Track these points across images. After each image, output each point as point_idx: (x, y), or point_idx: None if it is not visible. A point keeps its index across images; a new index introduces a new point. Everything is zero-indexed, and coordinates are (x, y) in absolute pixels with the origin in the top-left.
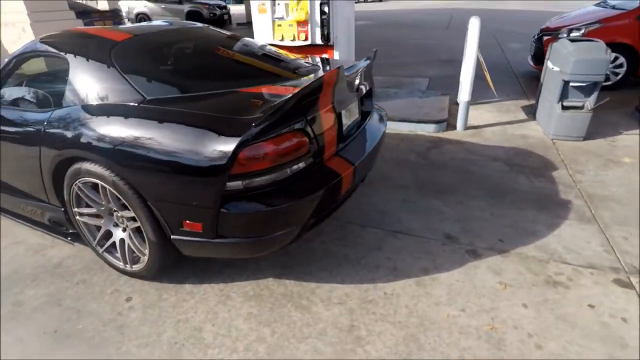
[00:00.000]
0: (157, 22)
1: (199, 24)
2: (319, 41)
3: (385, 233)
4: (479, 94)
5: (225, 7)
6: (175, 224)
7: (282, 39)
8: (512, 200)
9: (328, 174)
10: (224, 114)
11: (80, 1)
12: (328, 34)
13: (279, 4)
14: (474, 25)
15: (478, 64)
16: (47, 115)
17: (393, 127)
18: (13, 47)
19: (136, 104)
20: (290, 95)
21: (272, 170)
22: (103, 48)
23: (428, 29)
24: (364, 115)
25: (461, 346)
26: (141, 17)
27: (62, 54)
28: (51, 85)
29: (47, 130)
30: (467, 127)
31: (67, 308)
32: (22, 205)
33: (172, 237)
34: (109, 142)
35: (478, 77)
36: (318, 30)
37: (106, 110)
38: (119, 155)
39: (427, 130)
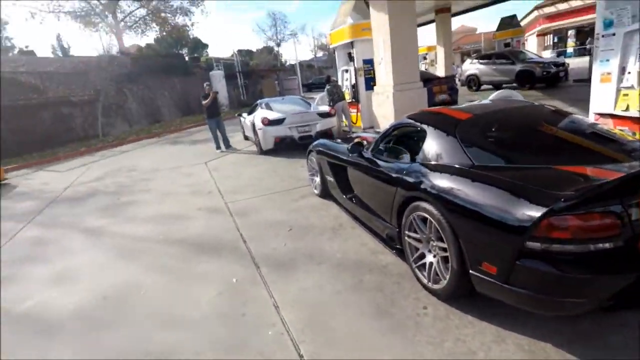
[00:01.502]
0: (485, 102)
1: (526, 102)
2: None
3: None
4: None
5: (562, 65)
6: (476, 262)
7: (627, 109)
8: None
9: (637, 260)
10: (539, 186)
11: (425, 69)
12: None
13: (629, 73)
14: None
15: None
16: (405, 166)
17: None
18: (378, 109)
19: (467, 168)
20: (610, 179)
21: (573, 241)
22: (450, 124)
23: None
24: None
25: None
26: (471, 78)
27: (421, 125)
28: (410, 146)
29: (403, 177)
30: None
31: (385, 295)
32: (372, 220)
33: (470, 271)
34: (441, 190)
35: None
36: None
37: (443, 168)
38: (446, 201)
39: None
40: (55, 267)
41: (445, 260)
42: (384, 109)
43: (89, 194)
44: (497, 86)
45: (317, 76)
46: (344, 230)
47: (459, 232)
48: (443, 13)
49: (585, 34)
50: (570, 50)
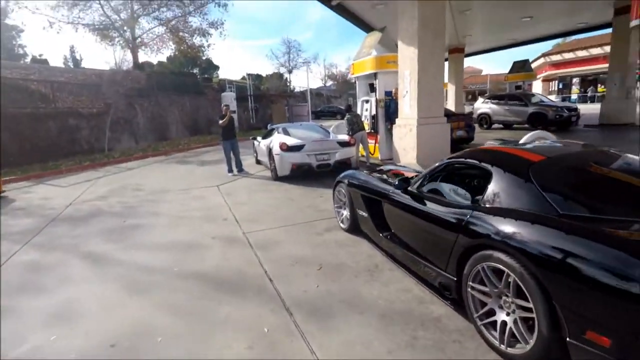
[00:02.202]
0: (550, 143)
1: (596, 147)
2: None
3: None
4: None
5: (575, 109)
6: (577, 329)
7: None
8: None
9: None
10: None
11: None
12: None
13: None
14: None
15: None
16: (468, 210)
17: None
18: (399, 142)
19: (554, 216)
20: None
21: None
22: (522, 165)
23: None
24: None
25: None
26: (483, 116)
27: (483, 164)
28: (466, 187)
29: (468, 222)
30: None
31: (447, 357)
32: (419, 264)
33: (568, 339)
34: (524, 241)
35: None
36: None
37: (524, 215)
38: (533, 254)
39: None
40: (55, 301)
41: (525, 321)
42: (405, 142)
43: (92, 214)
44: (507, 126)
45: (325, 104)
46: (381, 272)
47: (553, 292)
48: (457, 53)
49: (588, 82)
50: (574, 96)
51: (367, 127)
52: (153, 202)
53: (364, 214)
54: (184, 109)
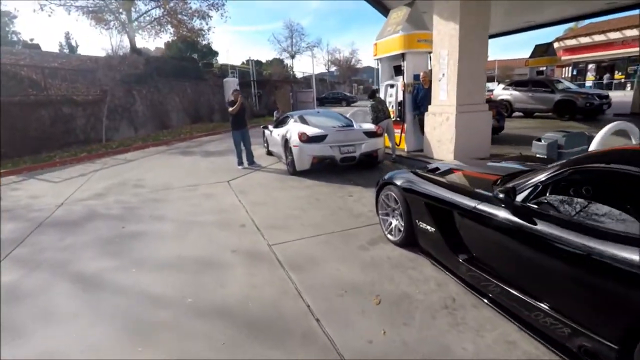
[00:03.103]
0: None
1: None
2: None
3: None
4: None
5: (606, 97)
6: None
7: None
8: None
9: None
10: None
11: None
12: None
13: None
14: None
15: None
16: None
17: None
18: (433, 132)
19: None
20: None
21: None
22: None
23: None
24: None
25: None
26: (503, 104)
27: None
28: (615, 203)
29: None
30: None
31: None
32: (534, 310)
33: None
34: None
35: None
36: None
37: None
38: None
39: None
40: (35, 346)
41: None
42: (440, 133)
43: (86, 217)
44: (529, 114)
45: (329, 90)
46: (464, 310)
47: None
48: None
49: (604, 68)
50: (589, 83)
51: (391, 115)
52: (156, 201)
53: (428, 228)
54: (184, 95)
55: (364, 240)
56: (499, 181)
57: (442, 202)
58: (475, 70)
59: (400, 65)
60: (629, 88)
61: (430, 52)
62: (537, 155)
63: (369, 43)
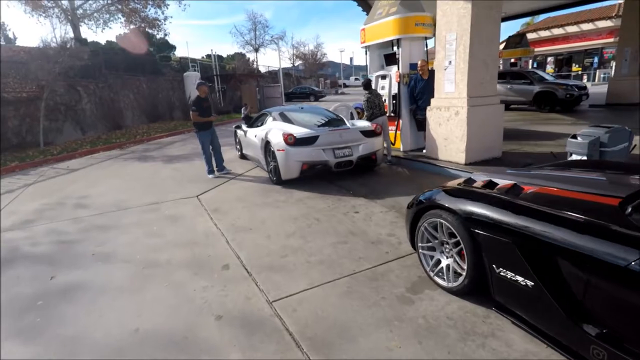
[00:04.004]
0: None
1: None
2: None
3: None
4: None
5: (584, 88)
6: None
7: None
8: None
9: None
10: None
11: None
12: None
13: None
14: None
15: None
16: None
17: None
18: (438, 128)
19: None
20: None
21: None
22: None
23: None
24: None
25: None
26: None
27: None
28: None
29: None
30: None
31: None
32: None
33: None
34: None
35: None
36: None
37: None
38: None
39: None
40: None
41: None
42: (447, 130)
43: (3, 259)
44: (506, 107)
45: (296, 85)
46: None
47: None
48: None
49: (561, 61)
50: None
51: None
52: (103, 230)
53: (519, 280)
54: (139, 91)
55: (401, 285)
56: (628, 208)
57: (557, 249)
58: (488, 56)
59: (393, 54)
60: (585, 79)
61: (427, 38)
62: (573, 156)
63: (333, 36)
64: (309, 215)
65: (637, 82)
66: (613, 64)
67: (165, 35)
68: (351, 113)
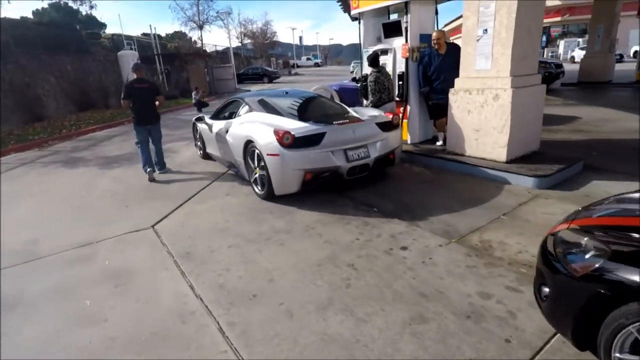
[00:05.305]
0: None
1: None
2: None
3: None
4: None
5: (561, 66)
6: None
7: None
8: None
9: None
10: None
11: None
12: None
13: None
14: None
15: None
16: None
17: None
18: (466, 117)
19: None
20: None
21: None
22: None
23: None
24: None
25: None
26: None
27: None
28: None
29: None
30: None
31: None
32: None
33: None
34: None
35: None
36: None
37: None
38: None
39: None
40: None
41: None
42: (481, 118)
43: None
44: None
45: (246, 66)
46: None
47: None
48: None
49: None
50: None
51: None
52: (2, 312)
53: None
54: (63, 74)
55: None
56: None
57: None
58: (533, 21)
59: (395, 23)
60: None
61: (437, 2)
62: None
63: (281, 15)
64: (336, 258)
65: (608, 60)
66: (560, 42)
67: (92, 7)
68: (331, 96)
